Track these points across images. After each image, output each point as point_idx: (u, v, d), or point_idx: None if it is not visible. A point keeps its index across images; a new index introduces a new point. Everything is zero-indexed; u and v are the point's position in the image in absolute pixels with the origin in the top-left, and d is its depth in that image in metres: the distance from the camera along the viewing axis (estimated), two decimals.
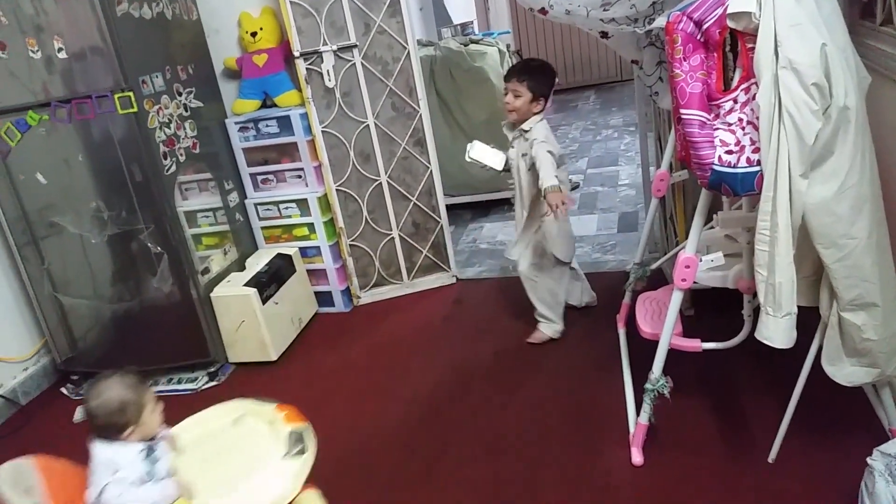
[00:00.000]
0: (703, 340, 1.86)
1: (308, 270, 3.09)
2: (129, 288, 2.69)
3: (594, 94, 6.82)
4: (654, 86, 2.23)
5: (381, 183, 3.06)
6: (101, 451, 1.46)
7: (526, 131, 2.38)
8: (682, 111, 1.54)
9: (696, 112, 1.53)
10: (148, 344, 2.73)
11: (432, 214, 3.15)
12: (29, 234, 2.70)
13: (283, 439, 1.54)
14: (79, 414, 2.61)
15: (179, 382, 2.71)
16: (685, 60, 1.54)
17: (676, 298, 1.78)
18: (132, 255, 2.64)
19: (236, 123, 2.94)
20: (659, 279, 2.52)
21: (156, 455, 1.49)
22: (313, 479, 2.02)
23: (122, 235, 2.62)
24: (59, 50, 2.38)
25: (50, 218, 2.66)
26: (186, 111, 2.68)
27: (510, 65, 4.17)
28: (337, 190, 3.01)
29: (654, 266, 2.43)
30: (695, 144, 1.53)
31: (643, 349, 1.99)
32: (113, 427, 1.46)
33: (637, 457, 1.86)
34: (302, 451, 1.52)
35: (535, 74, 2.38)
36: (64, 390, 2.81)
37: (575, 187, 4.22)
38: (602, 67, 7.08)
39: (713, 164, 1.51)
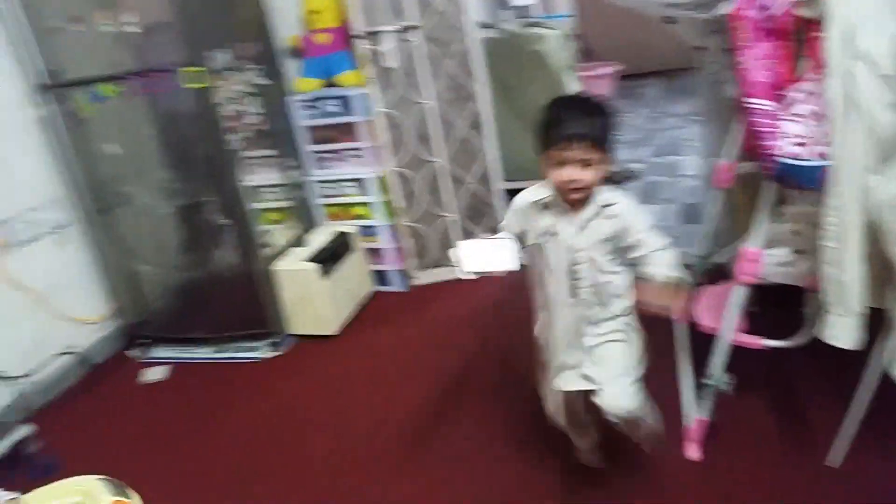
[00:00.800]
0: (765, 338, 1.83)
1: (366, 249, 3.14)
2: (196, 258, 2.80)
3: (659, 82, 6.68)
4: (719, 73, 2.18)
5: (438, 165, 3.08)
6: None
7: (608, 205, 1.60)
8: (748, 100, 1.52)
9: (763, 101, 1.50)
10: (213, 313, 2.84)
11: (488, 198, 3.16)
12: (103, 202, 2.82)
13: None
14: (146, 375, 2.74)
15: (243, 351, 2.81)
16: (752, 48, 1.51)
17: (739, 293, 1.76)
18: (198, 226, 2.75)
19: (299, 101, 3.00)
20: (722, 273, 2.47)
21: None
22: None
23: (189, 207, 2.72)
24: (133, 24, 2.46)
25: (122, 187, 2.78)
26: (251, 88, 2.75)
27: (571, 48, 4.12)
28: (395, 171, 3.05)
29: (716, 259, 2.38)
30: (760, 135, 1.51)
31: (703, 345, 1.97)
32: None
33: (693, 452, 1.85)
34: None
35: (604, 122, 1.55)
36: (133, 353, 2.95)
37: (636, 177, 4.17)
38: (667, 54, 6.90)
39: (779, 155, 1.49)
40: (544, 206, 1.64)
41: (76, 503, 1.46)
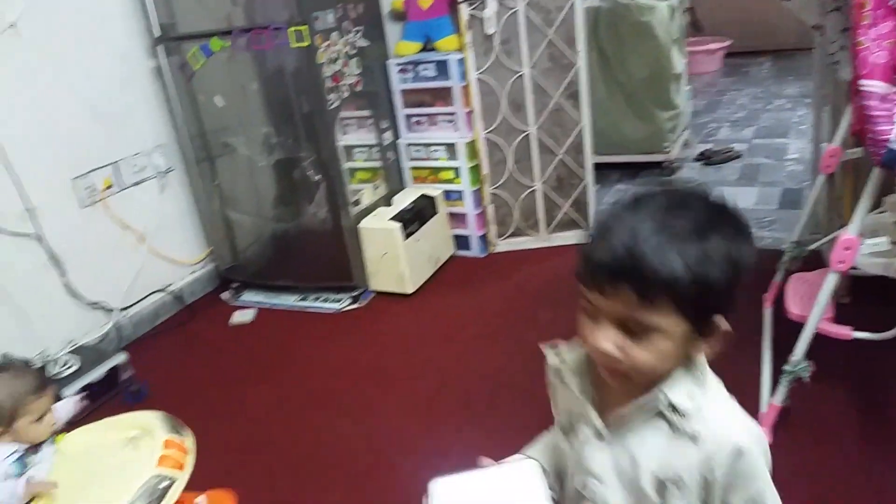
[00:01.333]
0: (854, 329, 1.75)
1: (449, 213, 3.17)
2: (289, 210, 2.91)
3: (770, 61, 6.36)
4: (835, 54, 2.06)
5: (529, 134, 3.06)
6: None
7: (682, 415, 0.81)
8: (862, 82, 1.43)
9: (878, 83, 1.41)
10: (301, 263, 2.96)
11: (578, 171, 3.12)
12: (205, 151, 2.96)
13: (140, 483, 1.37)
14: (234, 318, 2.89)
15: (325, 301, 2.92)
16: (873, 27, 1.42)
17: (831, 280, 1.68)
18: (293, 180, 2.85)
19: (397, 65, 3.03)
20: (816, 262, 2.36)
21: (31, 461, 1.46)
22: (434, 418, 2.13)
23: (286, 162, 2.82)
24: None
25: (224, 139, 2.92)
26: (353, 49, 2.80)
27: (679, 21, 3.96)
28: (485, 137, 3.05)
29: (812, 247, 2.28)
30: (872, 119, 1.42)
31: (788, 332, 1.90)
32: None
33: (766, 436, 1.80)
34: None
35: (710, 255, 0.75)
36: (223, 296, 3.10)
37: (736, 157, 4.00)
38: (781, 32, 6.55)
39: (890, 140, 1.40)
40: (563, 376, 0.97)
41: (133, 437, 1.54)
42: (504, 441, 1.97)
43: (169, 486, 1.39)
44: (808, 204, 2.23)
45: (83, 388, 2.22)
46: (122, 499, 1.34)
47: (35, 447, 1.48)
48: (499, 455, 1.04)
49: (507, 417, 2.08)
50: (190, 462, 1.47)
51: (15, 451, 1.44)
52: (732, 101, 5.25)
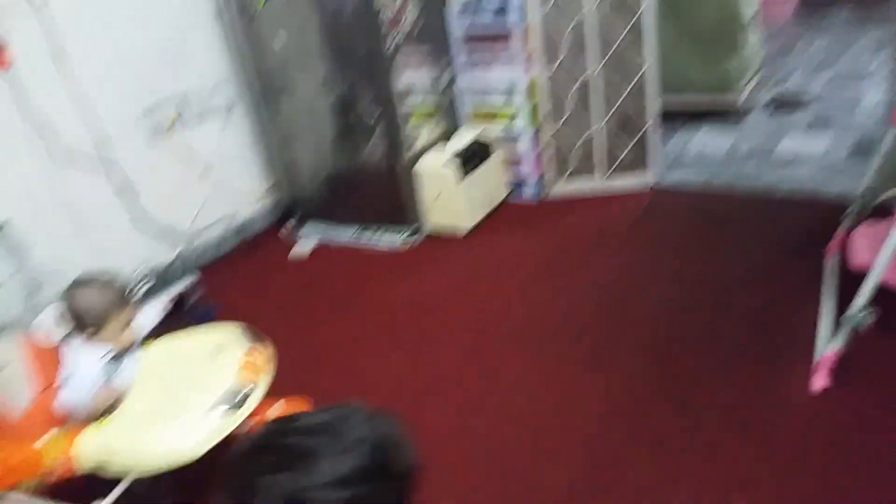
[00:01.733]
0: None
1: (505, 155, 3.15)
2: (347, 150, 2.96)
3: (848, 8, 6.02)
4: None
5: (589, 76, 2.99)
6: (73, 345, 1.57)
7: None
8: None
9: None
10: (357, 202, 3.01)
11: (641, 114, 3.05)
12: (266, 90, 3.00)
13: (223, 389, 1.44)
14: (294, 250, 2.96)
15: (380, 240, 2.96)
16: None
17: None
18: (351, 121, 2.88)
19: (458, 3, 2.98)
20: (883, 215, 2.29)
21: (120, 365, 1.55)
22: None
23: (345, 102, 2.85)
24: None
25: (285, 78, 2.94)
26: None
27: None
28: (545, 79, 3.00)
29: (881, 198, 2.21)
30: None
31: (850, 283, 1.86)
32: (76, 324, 1.56)
33: (819, 382, 1.79)
34: (234, 409, 1.41)
35: None
36: (283, 229, 3.18)
37: (806, 104, 3.85)
38: None
39: None
40: None
41: (219, 343, 1.64)
42: (549, 371, 2.01)
43: (251, 391, 1.47)
44: (879, 155, 2.14)
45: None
46: (207, 402, 1.42)
47: (123, 352, 1.59)
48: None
49: (556, 354, 2.11)
50: (270, 369, 1.55)
51: (110, 351, 1.55)
52: (806, 49, 5.01)
